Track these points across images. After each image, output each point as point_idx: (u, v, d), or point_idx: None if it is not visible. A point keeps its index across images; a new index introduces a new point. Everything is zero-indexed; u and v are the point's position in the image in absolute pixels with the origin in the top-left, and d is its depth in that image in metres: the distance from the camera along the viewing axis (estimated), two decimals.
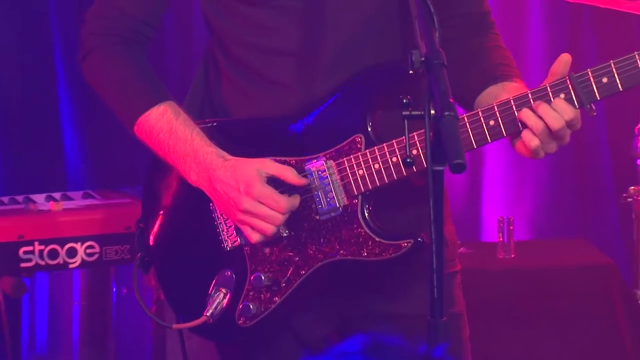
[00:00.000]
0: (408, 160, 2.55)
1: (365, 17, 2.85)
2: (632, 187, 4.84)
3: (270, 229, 2.81)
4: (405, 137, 2.49)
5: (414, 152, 2.72)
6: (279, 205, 2.80)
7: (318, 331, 2.94)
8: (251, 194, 2.77)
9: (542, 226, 5.70)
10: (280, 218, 2.81)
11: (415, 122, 2.26)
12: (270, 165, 2.81)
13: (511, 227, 5.02)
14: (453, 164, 2.15)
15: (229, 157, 2.84)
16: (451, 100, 2.24)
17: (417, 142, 2.71)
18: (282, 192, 2.82)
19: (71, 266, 3.96)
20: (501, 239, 5.01)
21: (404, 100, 2.35)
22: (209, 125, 2.94)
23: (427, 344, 2.10)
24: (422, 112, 2.26)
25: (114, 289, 4.36)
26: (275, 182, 2.81)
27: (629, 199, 4.86)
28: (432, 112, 2.23)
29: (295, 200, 2.83)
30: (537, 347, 4.72)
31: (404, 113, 2.34)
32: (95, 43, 2.99)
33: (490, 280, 4.72)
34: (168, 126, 2.89)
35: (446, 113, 2.18)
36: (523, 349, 4.73)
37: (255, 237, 2.82)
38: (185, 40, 5.32)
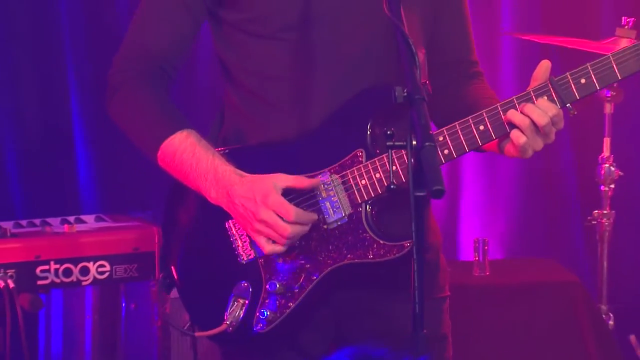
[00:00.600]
0: (392, 186, 2.58)
1: (356, 49, 2.87)
2: (596, 211, 4.86)
3: (286, 238, 2.80)
4: (389, 166, 2.51)
5: (399, 174, 2.74)
6: (291, 214, 2.79)
7: (317, 345, 2.94)
8: (267, 204, 2.77)
9: (513, 246, 5.70)
10: (291, 230, 2.80)
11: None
12: (284, 178, 2.81)
13: (486, 247, 5.03)
14: (433, 190, 2.17)
15: (245, 174, 2.84)
16: (431, 132, 2.27)
17: (400, 169, 2.71)
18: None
19: (84, 283, 3.95)
20: (477, 258, 5.02)
21: (388, 132, 2.37)
22: (226, 151, 2.94)
23: (411, 356, 2.11)
24: (405, 143, 2.28)
25: (123, 304, 4.34)
26: (289, 195, 2.82)
27: (593, 222, 4.88)
28: (414, 142, 2.24)
29: (311, 216, 2.84)
30: (509, 358, 4.72)
31: (387, 143, 2.36)
32: (121, 82, 2.98)
33: (467, 295, 4.73)
34: (191, 148, 2.88)
35: (426, 144, 2.21)
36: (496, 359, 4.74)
37: (269, 248, 2.82)
38: (190, 74, 5.28)
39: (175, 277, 3.02)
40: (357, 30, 2.85)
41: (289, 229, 2.77)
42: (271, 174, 2.81)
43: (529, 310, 4.79)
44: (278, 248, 2.81)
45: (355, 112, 2.84)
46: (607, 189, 4.84)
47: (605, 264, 4.86)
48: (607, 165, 4.82)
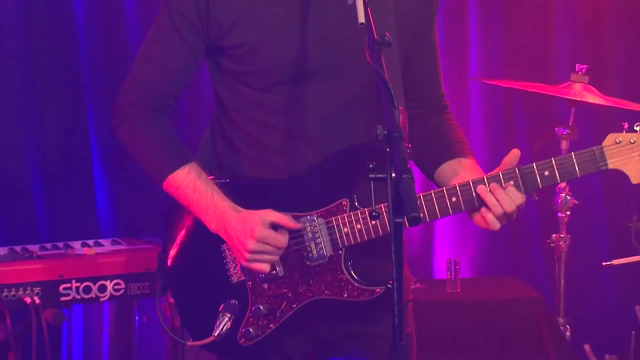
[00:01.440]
0: (374, 213, 2.58)
1: (344, 98, 2.87)
2: (554, 235, 4.87)
3: (265, 268, 2.82)
4: (372, 194, 2.51)
5: (382, 209, 2.72)
6: (279, 243, 2.81)
7: (300, 349, 2.94)
8: (254, 237, 2.77)
9: (482, 266, 5.69)
10: (275, 256, 2.82)
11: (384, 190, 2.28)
12: (271, 214, 2.81)
13: (457, 267, 5.02)
14: (410, 217, 2.20)
15: (240, 209, 2.85)
16: (408, 165, 2.27)
17: (382, 206, 2.70)
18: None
19: (102, 299, 3.94)
20: (449, 277, 5.01)
21: (370, 166, 2.38)
22: (223, 182, 2.93)
23: None
24: (385, 175, 2.29)
25: (137, 318, 4.34)
26: (275, 229, 2.82)
27: (551, 244, 4.89)
28: (394, 175, 2.27)
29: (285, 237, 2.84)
30: None
31: (370, 176, 2.38)
32: (128, 112, 2.98)
33: (441, 310, 4.72)
34: (192, 184, 2.89)
35: (404, 176, 2.24)
36: None
37: (256, 269, 2.83)
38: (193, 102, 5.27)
39: (170, 287, 3.03)
40: (345, 81, 2.85)
41: (274, 254, 2.82)
42: (260, 210, 2.82)
43: (496, 323, 4.77)
44: (265, 270, 2.84)
45: (345, 165, 2.84)
46: (563, 215, 4.84)
47: (562, 281, 4.86)
48: (563, 194, 4.82)
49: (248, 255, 2.81)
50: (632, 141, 2.72)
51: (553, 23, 5.65)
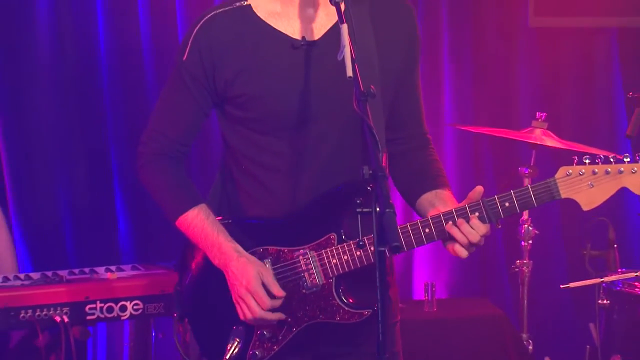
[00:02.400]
0: (360, 243, 2.59)
1: (335, 142, 2.86)
2: (518, 261, 4.86)
3: (249, 316, 2.82)
4: (359, 226, 2.51)
5: (365, 240, 2.71)
6: (263, 303, 2.81)
7: None
8: (247, 289, 2.80)
9: (456, 288, 5.68)
10: (258, 314, 2.82)
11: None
12: (267, 276, 2.83)
13: (434, 289, 5.02)
14: (392, 246, 2.23)
15: (242, 252, 2.86)
16: (391, 201, 2.29)
17: (366, 238, 2.69)
18: (279, 278, 2.85)
19: (123, 318, 3.92)
20: (427, 298, 5.01)
21: (357, 201, 2.39)
22: (228, 222, 2.93)
23: None
24: (371, 209, 2.31)
25: (153, 334, 4.32)
26: (277, 264, 2.86)
27: (516, 269, 4.88)
28: (378, 209, 2.29)
29: (271, 315, 2.83)
30: None
31: (357, 210, 2.39)
32: (148, 159, 2.99)
33: (419, 328, 4.71)
34: (200, 224, 2.89)
35: (387, 210, 2.27)
36: None
37: (242, 316, 2.84)
38: (205, 149, 5.27)
39: (187, 316, 3.02)
40: (336, 127, 2.85)
41: (258, 313, 2.81)
42: (259, 264, 2.84)
43: (468, 338, 4.77)
44: (248, 318, 2.83)
45: (332, 203, 2.84)
46: (526, 244, 4.84)
47: (525, 301, 4.85)
48: (526, 225, 4.82)
49: (236, 298, 2.83)
50: (581, 173, 2.72)
51: (516, 76, 5.67)
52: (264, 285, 2.81)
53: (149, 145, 2.98)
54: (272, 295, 2.81)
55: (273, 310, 2.83)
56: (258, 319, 2.82)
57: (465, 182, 5.44)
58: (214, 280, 2.93)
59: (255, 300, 2.80)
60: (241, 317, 2.84)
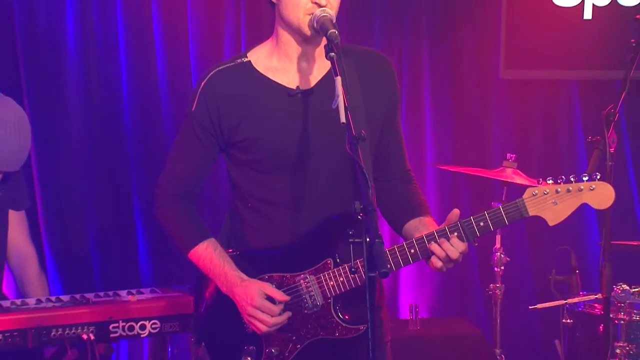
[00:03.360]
0: (353, 269, 2.58)
1: (329, 180, 2.87)
2: (492, 285, 4.86)
3: (263, 328, 2.82)
4: (351, 254, 2.50)
5: (358, 264, 2.72)
6: (272, 312, 2.83)
7: None
8: (252, 304, 2.80)
9: (437, 309, 5.66)
10: (270, 323, 2.82)
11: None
12: (268, 288, 2.84)
13: (417, 310, 5.03)
14: (381, 272, 2.28)
15: (245, 278, 2.86)
16: (379, 232, 2.31)
17: (359, 262, 2.69)
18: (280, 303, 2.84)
19: (142, 336, 3.90)
20: (411, 317, 5.00)
21: (350, 232, 2.40)
22: (236, 253, 2.94)
23: None
24: (362, 240, 2.34)
25: (169, 350, 4.29)
26: (281, 288, 2.86)
27: (489, 292, 4.88)
28: (368, 239, 2.32)
29: (283, 317, 2.84)
30: None
31: (350, 240, 2.42)
32: (163, 200, 3.01)
33: (404, 344, 4.69)
34: (209, 256, 2.91)
35: (376, 240, 2.32)
36: None
37: (257, 330, 2.84)
38: (214, 188, 5.25)
39: (203, 340, 3.01)
40: (330, 165, 2.86)
41: (270, 323, 2.82)
42: (260, 282, 2.85)
43: (448, 354, 4.77)
44: (264, 329, 2.83)
45: (327, 232, 2.84)
46: (498, 269, 4.84)
47: (498, 321, 4.85)
48: (498, 253, 4.82)
49: (247, 317, 2.83)
50: (545, 192, 2.73)
51: (489, 121, 5.70)
52: (267, 297, 2.82)
53: (165, 189, 3.00)
54: (277, 302, 2.82)
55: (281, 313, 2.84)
56: (272, 327, 2.82)
57: (445, 215, 5.41)
58: (225, 307, 2.93)
59: (264, 312, 2.80)
60: (257, 331, 2.83)
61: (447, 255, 2.72)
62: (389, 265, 2.71)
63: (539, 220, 2.72)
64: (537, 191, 2.73)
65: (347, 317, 2.83)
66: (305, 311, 2.84)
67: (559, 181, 2.74)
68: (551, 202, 2.72)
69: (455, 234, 2.73)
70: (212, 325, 2.98)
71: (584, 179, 2.73)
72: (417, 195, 3.00)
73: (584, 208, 2.75)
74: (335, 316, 2.83)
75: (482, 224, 2.73)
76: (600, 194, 2.73)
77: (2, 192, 4.05)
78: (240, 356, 2.88)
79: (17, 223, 4.18)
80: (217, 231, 3.03)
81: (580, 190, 2.73)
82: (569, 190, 2.73)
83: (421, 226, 2.88)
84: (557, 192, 2.72)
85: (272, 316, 2.81)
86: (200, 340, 3.00)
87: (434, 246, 2.74)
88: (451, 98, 5.67)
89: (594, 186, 2.73)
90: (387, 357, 2.98)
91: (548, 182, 2.74)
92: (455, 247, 2.72)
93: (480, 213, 2.74)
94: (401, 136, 3.03)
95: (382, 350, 2.95)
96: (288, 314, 2.84)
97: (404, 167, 3.04)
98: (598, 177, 2.74)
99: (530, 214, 2.73)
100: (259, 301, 2.81)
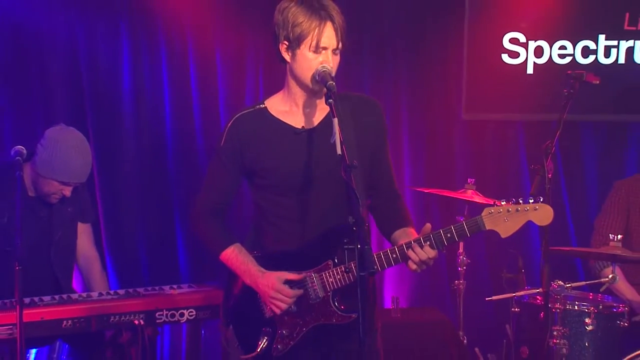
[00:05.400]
0: (347, 269, 2.57)
1: (329, 200, 2.86)
2: (456, 281, 4.85)
3: (282, 306, 2.81)
4: (345, 258, 2.49)
5: (352, 266, 2.72)
6: (288, 293, 2.81)
7: (310, 358, 2.89)
8: (274, 289, 2.79)
9: (413, 300, 5.64)
10: (289, 301, 2.81)
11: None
12: (284, 274, 2.84)
13: (398, 301, 5.00)
14: (369, 272, 2.26)
15: (265, 271, 2.86)
16: (368, 240, 2.31)
17: (352, 264, 2.69)
18: (293, 288, 2.82)
19: (181, 321, 3.92)
20: (393, 307, 4.98)
21: (345, 240, 2.39)
22: (258, 255, 2.94)
23: None
24: (354, 246, 2.37)
25: (202, 332, 4.29)
26: (290, 284, 2.83)
27: (455, 287, 4.86)
28: (359, 246, 2.34)
29: (297, 292, 2.82)
30: None
31: (345, 247, 2.43)
32: (198, 218, 3.01)
33: (389, 330, 4.62)
34: (236, 257, 2.91)
35: (365, 246, 2.33)
36: None
37: (277, 310, 2.83)
38: (239, 207, 5.26)
39: (231, 323, 2.99)
40: (329, 188, 2.86)
41: (287, 301, 2.82)
42: (277, 272, 2.84)
43: (423, 336, 4.73)
44: (284, 307, 2.82)
45: (328, 239, 2.83)
46: (461, 269, 4.84)
47: (461, 309, 4.84)
48: (462, 256, 4.81)
49: (269, 300, 2.81)
50: (499, 211, 2.74)
51: (454, 153, 5.70)
52: (285, 282, 2.81)
53: (200, 209, 3.00)
54: (292, 285, 2.81)
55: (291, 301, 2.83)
56: (289, 303, 2.80)
57: (420, 227, 5.38)
58: (248, 298, 2.93)
59: (282, 293, 2.79)
60: (277, 311, 2.82)
61: (420, 259, 2.73)
62: (375, 267, 2.71)
63: (494, 233, 2.73)
64: (493, 210, 2.73)
65: (342, 307, 2.82)
66: (310, 301, 2.84)
67: (510, 202, 2.74)
68: (504, 219, 2.72)
69: (428, 243, 2.73)
70: (238, 311, 2.98)
71: (530, 201, 2.73)
72: (402, 210, 2.98)
73: (529, 222, 2.76)
74: (333, 306, 2.82)
75: (449, 235, 2.73)
76: (542, 214, 2.73)
77: (73, 208, 4.08)
78: (260, 335, 2.87)
79: (84, 233, 4.21)
80: (244, 239, 3.04)
81: (527, 210, 2.73)
82: (517, 210, 2.73)
83: (405, 235, 2.87)
84: (508, 211, 2.72)
85: (288, 296, 2.81)
86: (229, 323, 3.00)
87: (410, 252, 2.74)
88: (424, 134, 5.68)
89: (537, 207, 2.73)
90: (377, 341, 2.97)
91: (502, 203, 2.74)
92: (427, 254, 2.72)
93: (447, 227, 2.73)
94: (390, 163, 3.01)
95: (373, 335, 2.95)
96: (300, 291, 2.82)
97: (392, 187, 3.02)
98: (541, 200, 2.75)
99: (487, 228, 2.73)
100: (278, 286, 2.81)
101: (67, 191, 3.89)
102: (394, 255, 2.75)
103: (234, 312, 2.99)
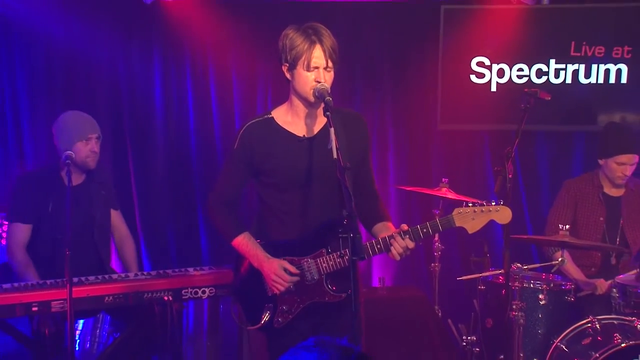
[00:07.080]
0: (341, 254, 2.55)
1: (325, 198, 2.84)
2: (433, 264, 4.83)
3: (281, 287, 2.80)
4: (340, 245, 2.47)
5: (344, 252, 2.68)
6: (285, 279, 2.80)
7: (306, 329, 2.85)
8: (275, 274, 2.78)
9: (397, 279, 5.63)
10: (286, 285, 2.80)
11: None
12: (285, 263, 2.83)
13: (384, 280, 4.98)
14: (360, 257, 2.29)
15: (270, 257, 2.84)
16: (359, 229, 2.29)
17: (344, 251, 2.68)
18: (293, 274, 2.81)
19: (203, 297, 3.91)
20: (380, 285, 4.95)
21: (339, 230, 2.37)
22: (263, 243, 2.92)
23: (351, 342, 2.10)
24: (347, 235, 2.32)
25: (221, 307, 4.27)
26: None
27: (431, 269, 4.84)
28: (351, 235, 2.30)
29: (294, 278, 2.80)
30: (396, 335, 4.60)
31: (339, 235, 2.39)
32: (212, 206, 2.99)
33: (375, 305, 4.64)
34: (245, 243, 2.90)
35: (357, 236, 2.29)
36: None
37: (277, 290, 2.82)
38: (248, 201, 5.24)
39: (239, 300, 2.98)
40: (325, 186, 2.85)
41: (285, 285, 2.80)
42: (280, 260, 2.82)
43: (404, 309, 4.71)
44: (282, 289, 2.80)
45: (323, 230, 2.82)
46: (437, 254, 4.82)
47: (436, 287, 4.82)
48: (437, 243, 4.79)
49: (271, 282, 2.79)
50: (467, 212, 2.73)
51: (431, 158, 5.69)
52: (284, 269, 2.80)
53: (215, 198, 2.99)
54: (290, 273, 2.80)
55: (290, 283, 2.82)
56: (286, 287, 2.79)
57: (404, 220, 5.40)
58: (254, 278, 2.92)
59: (281, 278, 2.78)
60: (276, 292, 2.80)
61: (401, 249, 2.72)
62: (364, 255, 2.70)
63: (463, 229, 2.74)
64: (462, 210, 2.74)
65: (334, 288, 2.82)
66: (307, 282, 2.84)
67: (476, 205, 2.73)
68: (471, 218, 2.73)
69: (407, 236, 2.72)
70: (244, 290, 2.97)
71: (492, 203, 2.74)
72: (381, 207, 2.96)
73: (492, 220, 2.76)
74: (326, 287, 2.81)
75: (425, 230, 2.72)
76: (502, 214, 2.75)
77: (105, 191, 4.09)
78: (263, 310, 2.85)
79: (117, 216, 4.23)
80: (248, 229, 3.01)
81: (490, 211, 2.74)
82: (482, 211, 2.74)
83: (384, 228, 2.87)
84: (474, 211, 2.73)
85: (285, 281, 2.80)
86: (236, 301, 2.98)
87: (393, 243, 2.71)
88: (407, 141, 5.67)
89: (499, 209, 2.74)
90: (359, 312, 2.94)
91: (469, 205, 2.74)
92: (406, 244, 2.71)
93: (424, 223, 2.72)
94: (371, 167, 3.00)
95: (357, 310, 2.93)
96: (297, 278, 2.82)
97: (373, 188, 3.00)
98: (501, 202, 2.76)
99: (457, 225, 2.74)
100: (279, 271, 2.80)
101: (95, 146, 3.89)
102: (379, 246, 2.74)
103: (240, 290, 2.98)
